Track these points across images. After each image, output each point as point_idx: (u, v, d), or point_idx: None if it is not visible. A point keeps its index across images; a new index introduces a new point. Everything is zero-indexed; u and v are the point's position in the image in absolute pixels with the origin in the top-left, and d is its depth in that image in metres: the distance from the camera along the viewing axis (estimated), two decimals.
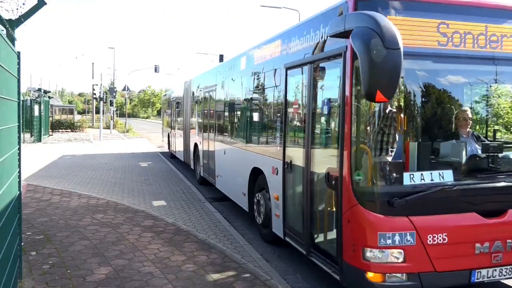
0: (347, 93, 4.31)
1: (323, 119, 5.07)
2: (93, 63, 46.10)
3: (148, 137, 33.84)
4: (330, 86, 4.93)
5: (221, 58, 33.53)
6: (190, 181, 12.66)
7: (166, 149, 20.89)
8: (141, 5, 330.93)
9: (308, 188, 5.16)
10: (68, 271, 5.17)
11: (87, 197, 9.61)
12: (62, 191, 10.38)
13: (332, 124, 4.87)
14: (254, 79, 7.42)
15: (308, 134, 5.17)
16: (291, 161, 5.73)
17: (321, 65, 5.02)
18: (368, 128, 4.35)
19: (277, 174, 6.22)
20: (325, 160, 4.92)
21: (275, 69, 6.36)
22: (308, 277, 5.51)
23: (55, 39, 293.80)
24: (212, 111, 10.81)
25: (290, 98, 5.89)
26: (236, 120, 8.66)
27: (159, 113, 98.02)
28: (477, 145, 5.01)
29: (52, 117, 37.29)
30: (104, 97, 36.25)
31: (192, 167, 13.59)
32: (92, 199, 9.44)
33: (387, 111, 4.44)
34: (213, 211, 8.68)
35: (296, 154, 5.60)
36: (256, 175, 7.30)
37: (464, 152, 4.84)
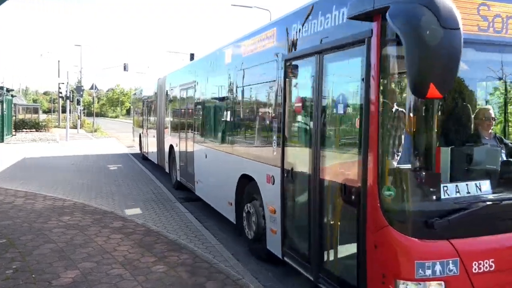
0: (373, 87, 3.49)
1: (336, 118, 4.23)
2: (59, 61, 43.99)
3: (117, 137, 32.62)
4: (347, 79, 4.12)
5: (192, 56, 32.43)
6: (164, 184, 11.73)
7: (137, 150, 19.74)
8: (109, 2, 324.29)
9: (317, 202, 4.32)
10: (33, 276, 4.95)
11: (53, 199, 9.14)
12: (27, 193, 9.82)
13: (349, 126, 4.05)
14: (242, 74, 6.53)
15: (317, 137, 4.33)
16: (292, 169, 4.88)
17: (333, 55, 4.19)
18: (399, 131, 3.54)
19: (273, 184, 5.37)
20: (340, 169, 4.09)
21: (270, 62, 5.50)
22: (280, 275, 5.48)
23: (18, 36, 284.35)
24: (190, 110, 9.86)
25: (291, 94, 5.03)
26: (220, 120, 7.75)
27: (128, 112, 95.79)
28: (503, 149, 4.30)
29: (15, 116, 35.39)
30: (71, 96, 34.73)
31: (167, 170, 12.59)
32: (58, 201, 9.02)
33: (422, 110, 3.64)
34: (184, 211, 8.55)
35: (300, 161, 4.76)
36: (245, 183, 6.43)
37: (498, 158, 4.12)
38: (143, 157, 17.76)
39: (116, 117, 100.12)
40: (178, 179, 10.98)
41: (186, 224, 7.54)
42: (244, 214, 6.43)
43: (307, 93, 4.67)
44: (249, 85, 6.41)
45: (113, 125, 57.88)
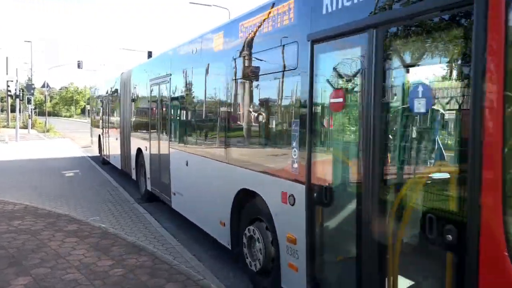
0: (493, 69, 2.26)
1: (406, 118, 2.98)
2: (7, 58, 40.72)
3: (71, 138, 30.64)
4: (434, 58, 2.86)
5: (149, 54, 30.83)
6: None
7: (96, 153, 17.89)
8: None
9: (373, 241, 3.05)
10: None
11: (3, 203, 8.52)
12: None
13: (440, 124, 2.82)
14: (242, 62, 5.20)
15: (371, 144, 3.07)
16: (327, 187, 3.59)
17: (403, 26, 2.93)
18: None
19: (292, 204, 4.08)
20: (419, 191, 2.84)
21: (287, 45, 4.20)
22: (242, 275, 5.40)
23: None
24: (164, 109, 8.42)
25: (323, 85, 3.73)
26: (209, 120, 6.38)
27: (83, 111, 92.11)
28: None
29: None
30: (21, 94, 32.05)
31: (133, 177, 11.04)
32: (8, 204, 8.43)
33: None
34: (143, 212, 8.38)
35: (341, 176, 3.50)
36: (245, 199, 5.12)
37: None
38: (103, 161, 16.05)
39: (70, 116, 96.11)
40: (149, 188, 9.48)
41: (145, 226, 7.39)
42: (245, 240, 5.11)
43: (352, 83, 3.40)
44: (253, 76, 5.09)
45: (68, 125, 55.15)
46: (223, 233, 5.70)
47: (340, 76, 3.56)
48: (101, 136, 16.21)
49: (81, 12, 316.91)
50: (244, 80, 5.24)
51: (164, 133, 8.32)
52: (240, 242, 5.26)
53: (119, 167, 12.82)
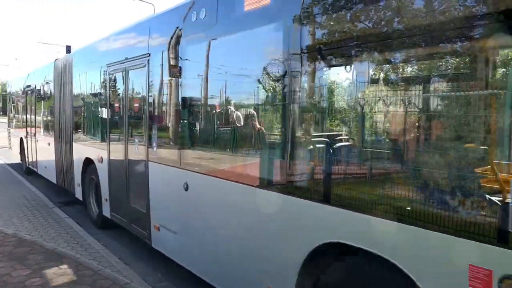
0: None
1: None
2: None
3: None
4: None
5: (68, 49, 27.11)
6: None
7: (16, 159, 14.53)
8: None
9: None
10: None
11: None
12: None
13: None
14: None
15: None
16: None
17: None
18: None
19: None
20: None
21: None
22: (170, 275, 5.25)
23: None
24: (138, 104, 5.94)
25: None
26: (250, 124, 4.07)
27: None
28: None
29: None
30: None
31: (78, 195, 8.35)
32: None
33: None
34: (64, 217, 7.80)
35: None
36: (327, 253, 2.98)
37: None
38: (26, 171, 12.93)
39: None
40: (107, 214, 6.91)
41: (66, 231, 6.91)
42: None
43: None
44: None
45: None
46: None
47: None
48: (25, 140, 13.03)
49: None
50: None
51: (137, 140, 5.85)
52: None
53: (54, 181, 9.94)
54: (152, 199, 5.41)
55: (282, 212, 3.37)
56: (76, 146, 8.26)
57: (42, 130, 11.06)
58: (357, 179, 2.95)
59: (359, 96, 2.90)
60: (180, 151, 4.80)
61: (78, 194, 8.31)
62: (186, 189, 4.64)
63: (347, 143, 3.02)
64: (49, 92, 10.39)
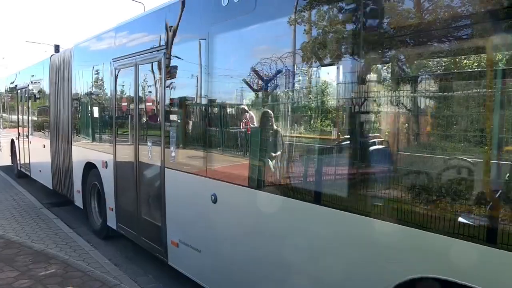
0: None
1: None
2: None
3: None
4: None
5: (56, 48, 26.22)
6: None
7: (7, 161, 13.72)
8: None
9: None
10: None
11: None
12: None
13: None
14: None
15: None
16: None
17: None
18: None
19: None
20: None
21: None
22: (160, 276, 5.18)
23: None
24: (151, 103, 5.28)
25: None
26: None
27: None
28: None
29: None
30: None
31: (78, 203, 7.66)
32: None
33: None
34: (52, 218, 7.65)
35: None
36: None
37: None
38: (18, 174, 12.17)
39: None
40: (113, 225, 6.24)
41: (55, 232, 6.79)
42: None
43: None
44: None
45: None
46: None
47: None
48: (16, 141, 12.26)
49: None
50: None
51: (151, 143, 5.18)
52: None
53: (49, 186, 9.22)
54: (169, 211, 4.75)
55: (362, 238, 2.72)
56: (76, 149, 7.55)
57: (36, 131, 10.32)
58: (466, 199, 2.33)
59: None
60: (207, 157, 4.14)
61: (78, 202, 7.61)
62: (214, 201, 3.98)
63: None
64: (43, 90, 9.67)
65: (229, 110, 4.12)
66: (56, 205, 8.69)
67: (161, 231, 4.90)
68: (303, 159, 3.33)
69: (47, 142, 9.14)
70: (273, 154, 3.54)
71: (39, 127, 10.13)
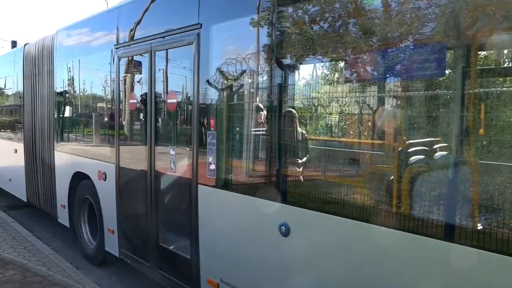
0: None
1: None
2: None
3: None
4: None
5: (14, 44, 24.15)
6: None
7: None
8: None
9: None
10: None
11: None
12: None
13: None
14: None
15: None
16: None
17: None
18: None
19: None
20: None
21: None
22: (124, 278, 5.04)
23: None
24: (175, 100, 4.12)
25: None
26: None
27: None
28: None
29: None
30: None
31: (62, 220, 6.38)
32: None
33: None
34: (10, 221, 7.23)
35: None
36: None
37: None
38: None
39: None
40: (113, 251, 5.04)
41: (12, 236, 6.40)
42: None
43: None
44: None
45: None
46: None
47: None
48: None
49: None
50: None
51: (174, 152, 4.02)
52: None
53: (22, 198, 7.84)
54: (205, 241, 3.63)
55: None
56: (60, 156, 6.25)
57: (4, 133, 8.90)
58: None
59: None
60: (274, 172, 3.05)
61: (63, 219, 6.32)
62: (286, 234, 2.90)
63: None
64: (14, 86, 8.28)
65: (306, 111, 3.05)
66: (13, 208, 8.27)
67: (191, 266, 3.78)
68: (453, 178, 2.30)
69: (19, 146, 7.78)
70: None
71: (8, 128, 8.72)
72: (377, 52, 2.52)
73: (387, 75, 2.50)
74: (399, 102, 2.50)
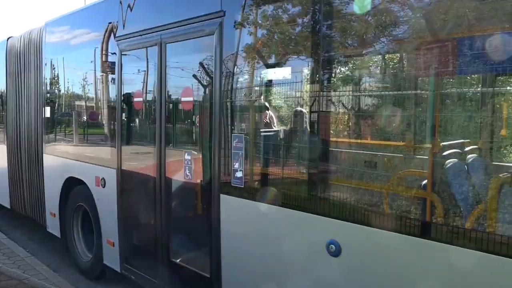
0: None
1: None
2: None
3: None
4: None
5: None
6: None
7: None
8: None
9: None
10: None
11: None
12: None
13: None
14: None
15: None
16: None
17: None
18: None
19: None
20: None
21: None
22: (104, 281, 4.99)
23: None
24: (191, 98, 3.66)
25: None
26: None
27: None
28: None
29: None
30: None
31: (53, 231, 5.84)
32: None
33: None
34: None
35: None
36: None
37: None
38: None
39: None
40: (113, 265, 4.55)
41: None
42: None
43: None
44: None
45: None
46: None
47: None
48: None
49: None
50: None
51: (190, 157, 3.56)
52: None
53: (5, 205, 7.24)
54: (229, 258, 3.19)
55: None
56: (50, 159, 5.71)
57: None
58: None
59: None
60: (317, 182, 2.63)
61: (53, 228, 5.78)
62: (336, 253, 2.49)
63: None
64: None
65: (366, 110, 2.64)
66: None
67: (211, 286, 3.33)
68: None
69: (2, 148, 7.18)
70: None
71: None
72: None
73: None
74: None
